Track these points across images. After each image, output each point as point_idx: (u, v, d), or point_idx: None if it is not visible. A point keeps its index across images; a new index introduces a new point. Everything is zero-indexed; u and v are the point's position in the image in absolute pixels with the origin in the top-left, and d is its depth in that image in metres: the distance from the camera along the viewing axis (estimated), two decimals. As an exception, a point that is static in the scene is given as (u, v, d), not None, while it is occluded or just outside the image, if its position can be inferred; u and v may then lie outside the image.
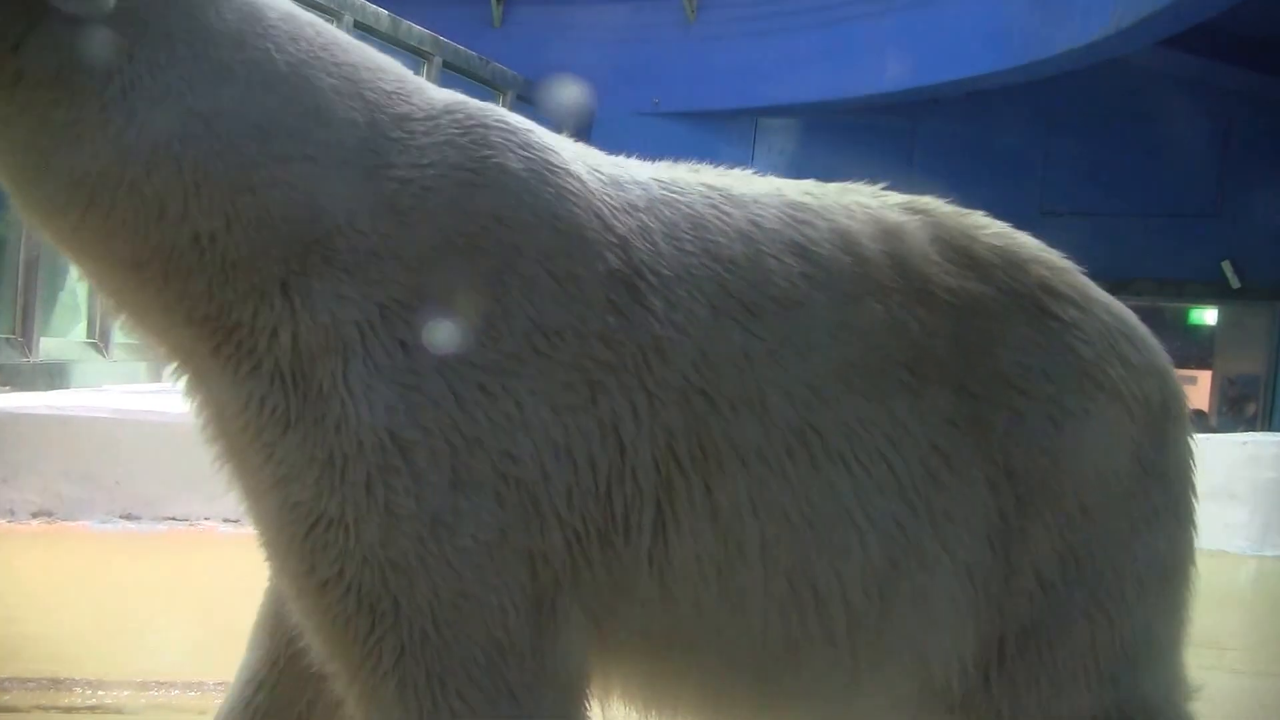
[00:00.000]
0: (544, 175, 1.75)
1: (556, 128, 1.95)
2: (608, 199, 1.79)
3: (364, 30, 10.54)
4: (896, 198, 2.04)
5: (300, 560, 1.65)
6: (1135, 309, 2.10)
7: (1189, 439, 2.07)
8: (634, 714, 1.93)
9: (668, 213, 1.83)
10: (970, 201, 2.08)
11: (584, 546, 1.69)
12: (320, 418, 1.62)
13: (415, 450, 1.62)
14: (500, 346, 1.66)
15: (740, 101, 16.06)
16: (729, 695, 1.90)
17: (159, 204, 1.63)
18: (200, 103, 1.62)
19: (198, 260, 1.65)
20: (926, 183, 2.12)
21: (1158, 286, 15.49)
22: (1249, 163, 15.28)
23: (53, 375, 8.56)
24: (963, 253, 1.95)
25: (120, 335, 7.45)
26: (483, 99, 1.87)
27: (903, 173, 2.06)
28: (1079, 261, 2.07)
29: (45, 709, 3.45)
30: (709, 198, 1.88)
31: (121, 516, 6.23)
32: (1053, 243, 2.09)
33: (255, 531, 1.76)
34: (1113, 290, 2.09)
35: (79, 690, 3.58)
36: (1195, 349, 16.92)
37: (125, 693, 3.62)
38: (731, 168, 2.03)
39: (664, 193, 1.86)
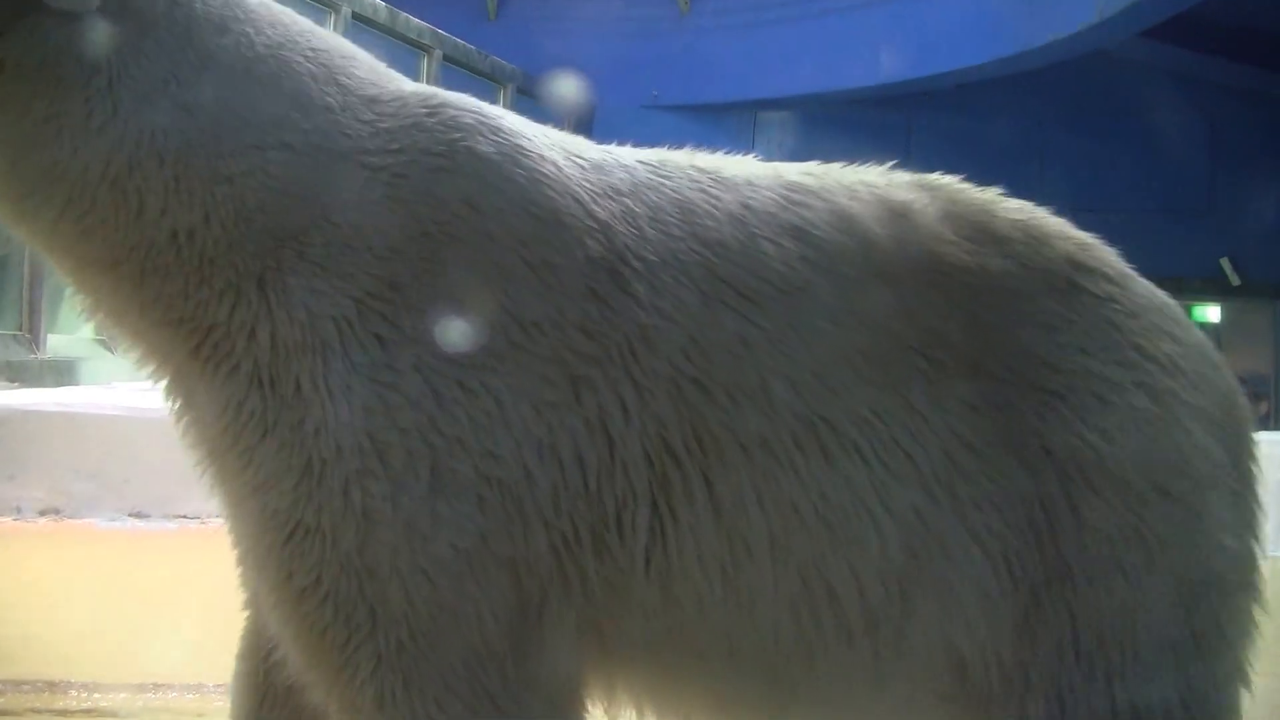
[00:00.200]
0: (515, 159, 1.71)
1: (558, 122, 1.91)
2: (587, 184, 1.74)
3: (362, 22, 10.37)
4: (905, 176, 1.96)
5: (278, 568, 1.62)
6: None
7: (1253, 432, 1.99)
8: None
9: (653, 197, 1.78)
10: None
11: (574, 550, 1.64)
12: (299, 422, 1.59)
13: (393, 452, 1.58)
14: (478, 340, 1.62)
15: (736, 94, 16.09)
16: (741, 701, 1.83)
17: (139, 199, 1.60)
18: (185, 92, 1.60)
19: (175, 258, 1.62)
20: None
21: (1155, 283, 15.37)
22: (1239, 158, 15.24)
23: (61, 372, 8.55)
24: (980, 229, 1.87)
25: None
26: (482, 93, 1.84)
27: (900, 166, 2.00)
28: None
29: (39, 712, 3.43)
30: (697, 181, 1.82)
31: (130, 514, 6.21)
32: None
33: (232, 540, 1.73)
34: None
35: (75, 693, 3.56)
36: (1199, 348, 16.83)
37: (122, 695, 3.59)
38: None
39: (650, 176, 1.80)
